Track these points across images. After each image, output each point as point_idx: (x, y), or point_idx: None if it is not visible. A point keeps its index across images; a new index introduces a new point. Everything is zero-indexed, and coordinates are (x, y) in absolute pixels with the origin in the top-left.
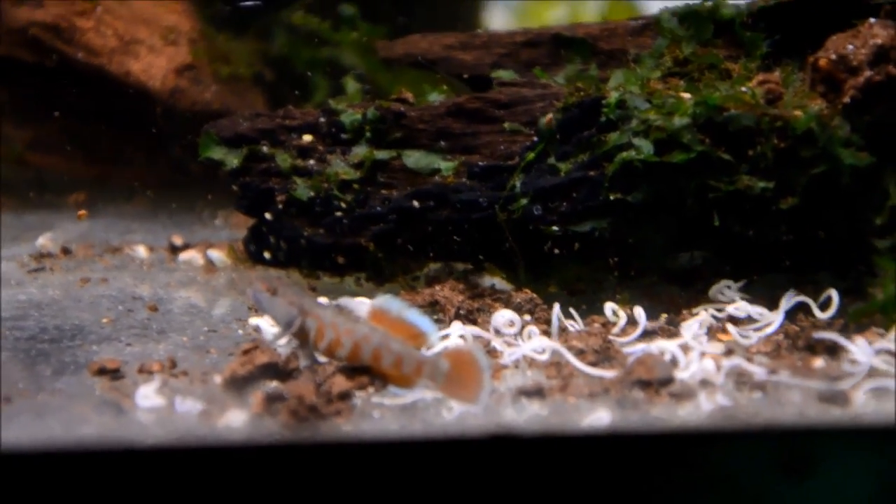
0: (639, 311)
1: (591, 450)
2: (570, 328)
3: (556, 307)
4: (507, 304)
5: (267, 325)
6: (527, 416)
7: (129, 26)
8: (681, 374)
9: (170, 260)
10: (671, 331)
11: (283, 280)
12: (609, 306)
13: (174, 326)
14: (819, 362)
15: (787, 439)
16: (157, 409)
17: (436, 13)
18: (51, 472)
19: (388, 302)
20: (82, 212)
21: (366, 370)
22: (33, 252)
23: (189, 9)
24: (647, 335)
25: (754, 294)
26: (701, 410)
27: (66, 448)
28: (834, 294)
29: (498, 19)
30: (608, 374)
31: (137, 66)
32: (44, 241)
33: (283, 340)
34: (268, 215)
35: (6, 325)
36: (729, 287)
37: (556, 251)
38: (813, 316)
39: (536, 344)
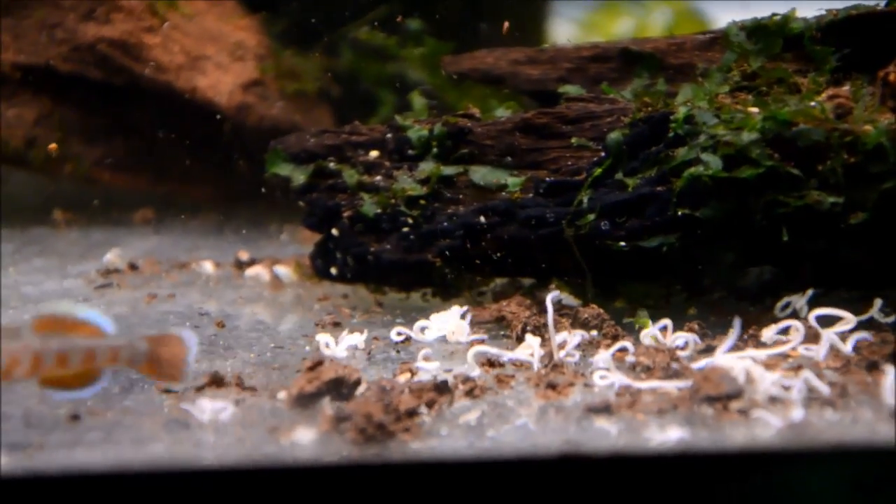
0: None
1: (660, 467)
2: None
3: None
4: (575, 319)
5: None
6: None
7: (196, 43)
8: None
9: (236, 276)
10: (738, 346)
11: None
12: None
13: (241, 343)
14: (889, 379)
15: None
16: (225, 426)
17: (501, 28)
18: (121, 490)
19: (55, 306)
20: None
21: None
22: (100, 268)
23: (256, 25)
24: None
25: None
26: (771, 427)
27: (135, 467)
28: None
29: (564, 32)
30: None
31: (205, 83)
32: (111, 257)
33: None
34: (334, 231)
35: None
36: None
37: (624, 267)
38: (885, 331)
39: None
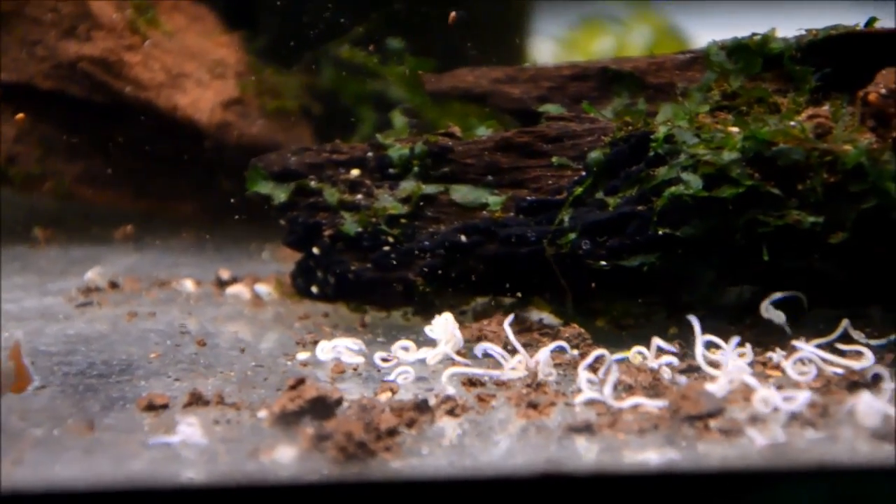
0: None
1: (641, 487)
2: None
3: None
4: (555, 338)
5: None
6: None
7: (176, 60)
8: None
9: (217, 294)
10: (718, 364)
11: None
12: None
13: (222, 361)
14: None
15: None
16: (206, 445)
17: (483, 46)
18: None
19: None
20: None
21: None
22: (81, 286)
23: (236, 42)
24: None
25: (804, 329)
26: (753, 446)
27: (115, 485)
28: (847, 324)
29: (545, 51)
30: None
31: (185, 100)
32: (92, 275)
33: None
34: (315, 250)
35: (54, 360)
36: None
37: (605, 286)
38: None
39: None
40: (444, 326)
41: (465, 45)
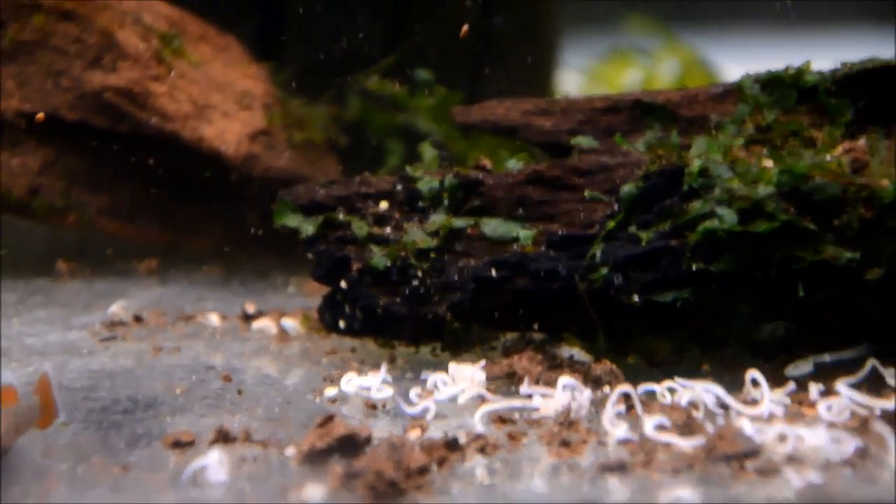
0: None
1: None
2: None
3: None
4: (587, 375)
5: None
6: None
7: (203, 91)
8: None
9: (243, 328)
10: (753, 403)
11: None
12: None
13: (248, 397)
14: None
15: None
16: (232, 483)
17: (510, 78)
18: None
19: None
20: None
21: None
22: (105, 320)
23: (263, 73)
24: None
25: (839, 367)
26: (790, 487)
27: None
28: (873, 363)
29: (572, 83)
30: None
31: (211, 132)
32: (116, 308)
33: None
34: (343, 284)
35: (78, 395)
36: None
37: (637, 322)
38: None
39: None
40: (461, 371)
41: (492, 77)
